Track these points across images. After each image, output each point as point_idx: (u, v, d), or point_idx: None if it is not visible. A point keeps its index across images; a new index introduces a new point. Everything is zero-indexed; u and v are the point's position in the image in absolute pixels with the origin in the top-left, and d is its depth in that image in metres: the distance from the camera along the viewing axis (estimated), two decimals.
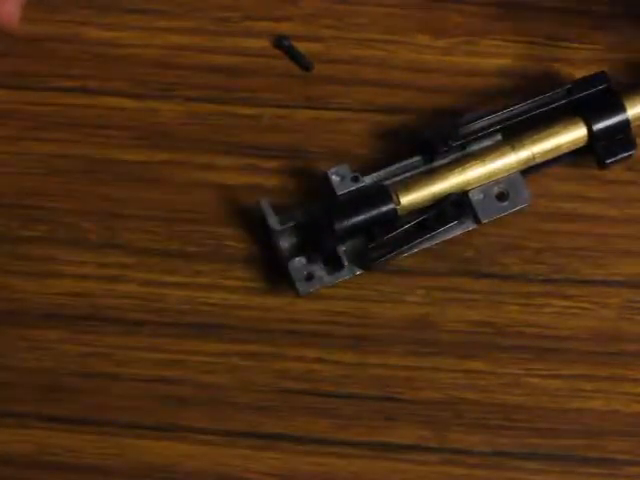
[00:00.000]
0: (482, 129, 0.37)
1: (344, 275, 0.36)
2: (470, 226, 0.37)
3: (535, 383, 0.37)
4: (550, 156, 0.37)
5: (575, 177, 0.39)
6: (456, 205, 0.37)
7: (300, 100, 0.40)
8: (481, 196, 0.37)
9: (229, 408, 0.37)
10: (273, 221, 0.36)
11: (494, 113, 0.37)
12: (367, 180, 0.37)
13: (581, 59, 0.40)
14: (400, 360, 0.37)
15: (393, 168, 0.37)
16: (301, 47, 0.40)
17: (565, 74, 0.40)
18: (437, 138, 0.37)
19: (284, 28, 0.41)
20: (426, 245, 0.37)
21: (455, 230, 0.37)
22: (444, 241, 0.37)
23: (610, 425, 0.37)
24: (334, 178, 0.37)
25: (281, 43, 0.40)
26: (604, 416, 0.37)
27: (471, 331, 0.37)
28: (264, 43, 0.41)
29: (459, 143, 0.37)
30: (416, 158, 0.38)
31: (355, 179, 0.37)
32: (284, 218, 0.37)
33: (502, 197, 0.37)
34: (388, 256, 0.36)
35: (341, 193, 0.37)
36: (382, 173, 0.37)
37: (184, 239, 0.38)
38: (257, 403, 0.37)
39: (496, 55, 0.40)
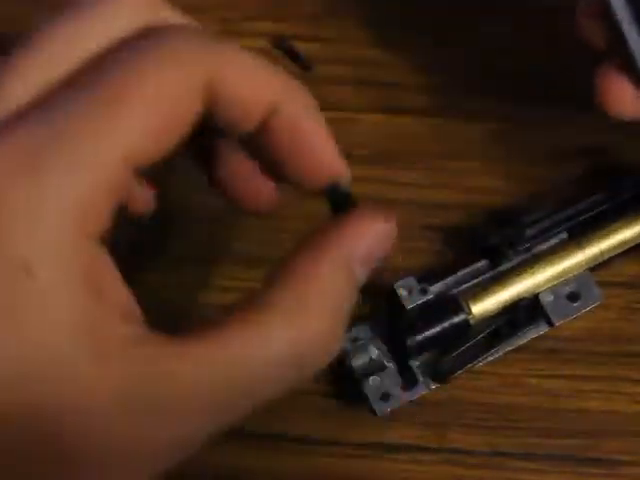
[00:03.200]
0: (548, 229, 0.37)
1: (420, 391, 0.35)
2: (543, 329, 0.36)
3: (535, 383, 0.37)
4: (618, 250, 0.37)
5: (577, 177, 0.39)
6: (528, 310, 0.36)
7: None
8: (552, 298, 0.36)
9: None
10: (346, 340, 0.35)
11: (559, 211, 0.37)
12: (434, 289, 0.36)
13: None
14: None
15: (459, 275, 0.36)
16: (301, 47, 0.41)
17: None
18: (504, 242, 0.36)
19: (284, 28, 0.41)
20: (500, 353, 0.36)
21: (528, 334, 0.36)
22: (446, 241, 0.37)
23: (610, 425, 0.37)
24: (402, 292, 0.36)
25: (281, 43, 0.40)
26: (604, 416, 0.37)
27: None
28: (264, 43, 0.41)
29: (527, 246, 0.36)
30: (482, 263, 0.37)
31: (423, 291, 0.36)
32: (352, 336, 0.36)
33: (573, 297, 0.36)
34: (464, 368, 0.35)
35: (410, 307, 0.35)
36: (448, 281, 0.36)
37: None
38: None
39: None
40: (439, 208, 0.39)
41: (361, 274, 0.26)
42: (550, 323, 0.36)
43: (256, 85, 0.26)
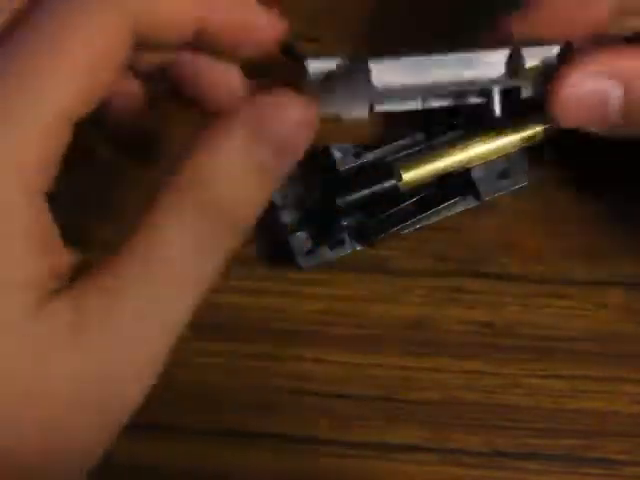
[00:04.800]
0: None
1: (345, 250, 0.36)
2: (471, 203, 0.37)
3: (535, 383, 0.37)
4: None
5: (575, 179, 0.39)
6: (458, 183, 0.37)
7: None
8: (482, 174, 0.37)
9: (228, 408, 0.37)
10: (275, 196, 0.36)
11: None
12: (369, 157, 0.37)
13: None
14: (400, 360, 0.37)
15: (395, 145, 0.38)
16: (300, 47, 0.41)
17: None
18: (440, 116, 0.37)
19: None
20: (426, 222, 0.37)
21: (456, 207, 0.37)
22: (446, 241, 0.37)
23: (610, 425, 0.37)
24: (336, 153, 0.37)
25: (283, 45, 0.40)
26: (604, 416, 0.37)
27: (471, 331, 0.37)
28: None
29: (462, 121, 0.37)
30: (418, 135, 0.38)
31: (357, 155, 0.37)
32: (284, 194, 0.37)
33: (503, 175, 0.37)
34: (389, 232, 0.36)
35: (343, 169, 0.37)
36: (384, 150, 0.37)
37: None
38: (256, 402, 0.37)
39: None
40: None
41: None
42: (478, 197, 0.37)
43: (174, 11, 0.26)
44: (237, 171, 0.25)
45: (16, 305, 0.24)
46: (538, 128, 0.37)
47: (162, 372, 0.37)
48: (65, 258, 0.25)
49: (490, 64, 0.32)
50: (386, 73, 0.30)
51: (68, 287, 0.24)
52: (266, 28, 0.28)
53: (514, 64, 0.32)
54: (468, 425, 0.37)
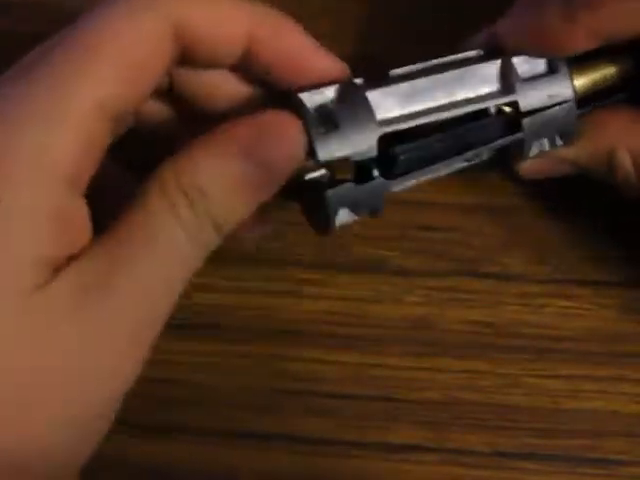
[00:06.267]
0: None
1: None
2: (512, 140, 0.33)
3: (535, 383, 0.37)
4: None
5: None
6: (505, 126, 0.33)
7: None
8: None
9: (228, 408, 0.37)
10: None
11: None
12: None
13: None
14: (400, 360, 0.37)
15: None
16: None
17: None
18: None
19: None
20: (465, 164, 0.33)
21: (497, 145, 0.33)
22: (446, 241, 0.37)
23: (610, 425, 0.37)
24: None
25: None
26: (604, 416, 0.37)
27: (471, 331, 0.37)
28: None
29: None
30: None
31: None
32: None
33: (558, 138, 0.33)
34: (422, 169, 0.32)
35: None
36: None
37: None
38: (256, 403, 0.37)
39: None
40: (438, 208, 0.39)
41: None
42: (521, 150, 0.33)
43: (223, 23, 0.27)
44: (228, 181, 0.26)
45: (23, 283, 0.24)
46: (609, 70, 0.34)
47: (159, 375, 0.37)
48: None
49: (483, 77, 0.32)
50: (384, 101, 0.30)
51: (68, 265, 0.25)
52: (324, 72, 0.29)
53: (506, 76, 0.32)
54: (468, 425, 0.37)
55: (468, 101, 0.32)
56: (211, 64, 0.28)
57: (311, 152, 0.28)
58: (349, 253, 0.38)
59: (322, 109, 0.29)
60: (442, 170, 0.33)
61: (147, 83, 0.26)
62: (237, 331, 0.38)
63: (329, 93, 0.29)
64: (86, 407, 0.26)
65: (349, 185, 0.30)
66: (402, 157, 0.31)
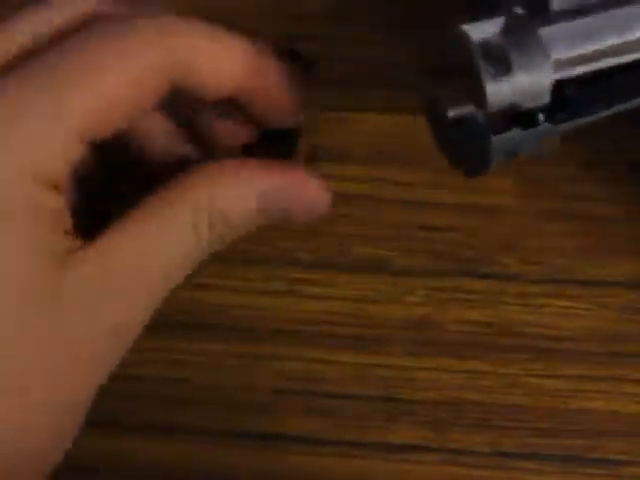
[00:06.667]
0: None
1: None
2: None
3: (535, 383, 0.37)
4: None
5: (578, 176, 0.39)
6: None
7: None
8: None
9: (228, 408, 0.37)
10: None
11: None
12: None
13: None
14: (400, 360, 0.37)
15: None
16: (300, 47, 0.41)
17: None
18: None
19: (284, 28, 0.41)
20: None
21: None
22: (446, 241, 0.37)
23: (610, 425, 0.37)
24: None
25: (284, 45, 0.40)
26: (604, 416, 0.37)
27: (471, 331, 0.37)
28: (262, 43, 0.41)
29: None
30: None
31: None
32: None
33: None
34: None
35: None
36: None
37: None
38: (256, 403, 0.37)
39: None
40: (438, 208, 0.39)
41: None
42: None
43: (219, 65, 0.28)
44: (252, 219, 0.29)
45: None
46: None
47: (158, 375, 0.37)
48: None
49: None
50: (553, 40, 0.26)
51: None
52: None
53: None
54: (468, 425, 0.37)
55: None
56: (201, 97, 0.29)
57: (477, 97, 0.25)
58: (349, 253, 0.38)
59: (488, 45, 0.26)
60: (608, 113, 0.29)
61: (130, 115, 0.27)
62: (237, 331, 0.38)
63: (494, 26, 0.26)
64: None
65: (515, 132, 0.27)
66: (573, 102, 0.28)
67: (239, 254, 0.38)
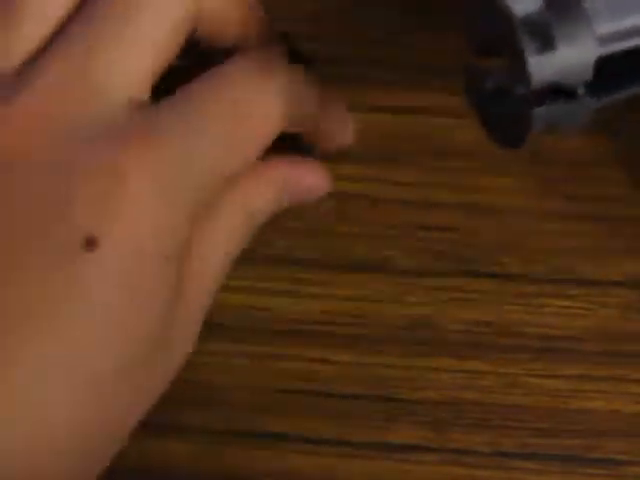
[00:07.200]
0: None
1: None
2: None
3: (535, 383, 0.37)
4: None
5: (578, 176, 0.39)
6: None
7: None
8: None
9: (227, 408, 0.37)
10: None
11: None
12: None
13: None
14: (400, 360, 0.37)
15: None
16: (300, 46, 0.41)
17: None
18: None
19: (283, 27, 0.41)
20: None
21: None
22: (446, 241, 0.37)
23: (610, 425, 0.37)
24: None
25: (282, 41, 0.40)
26: (604, 416, 0.37)
27: (471, 331, 0.37)
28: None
29: None
30: None
31: None
32: None
33: None
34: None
35: None
36: None
37: None
38: (256, 403, 0.37)
39: None
40: (438, 208, 0.39)
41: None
42: None
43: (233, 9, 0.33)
44: (271, 197, 0.34)
45: None
46: None
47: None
48: None
49: None
50: (595, 12, 0.25)
51: None
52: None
53: None
54: (468, 425, 0.37)
55: None
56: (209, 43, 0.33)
57: (519, 73, 0.24)
58: (349, 253, 0.38)
59: (531, 20, 0.24)
60: None
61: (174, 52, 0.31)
62: (237, 331, 0.38)
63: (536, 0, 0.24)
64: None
65: (557, 105, 0.26)
66: (614, 76, 0.26)
67: (239, 254, 0.38)
